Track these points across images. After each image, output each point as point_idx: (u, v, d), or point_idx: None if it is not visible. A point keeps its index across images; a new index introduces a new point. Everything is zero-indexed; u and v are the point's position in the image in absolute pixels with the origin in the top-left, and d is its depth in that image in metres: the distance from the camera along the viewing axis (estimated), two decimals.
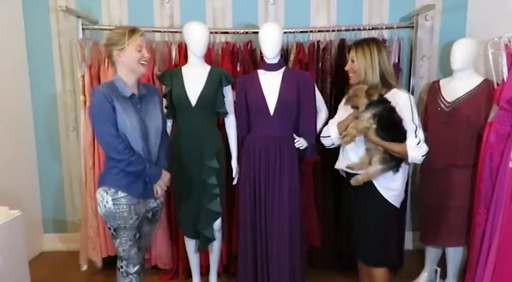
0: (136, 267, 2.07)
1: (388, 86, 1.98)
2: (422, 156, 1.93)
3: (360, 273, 2.25)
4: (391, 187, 1.97)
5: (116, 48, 1.91)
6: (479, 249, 2.23)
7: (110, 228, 2.01)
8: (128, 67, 1.95)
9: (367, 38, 2.24)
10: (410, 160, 1.94)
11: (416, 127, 1.92)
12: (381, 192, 1.96)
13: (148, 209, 2.11)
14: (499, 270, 2.13)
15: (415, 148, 1.90)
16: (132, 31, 1.93)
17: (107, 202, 1.94)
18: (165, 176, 2.12)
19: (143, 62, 1.97)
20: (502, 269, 2.12)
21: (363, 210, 2.02)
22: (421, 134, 1.93)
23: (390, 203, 1.98)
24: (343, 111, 2.11)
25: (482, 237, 2.22)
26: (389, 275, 2.10)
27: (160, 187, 2.09)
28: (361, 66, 1.98)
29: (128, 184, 1.95)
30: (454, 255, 2.61)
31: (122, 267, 2.06)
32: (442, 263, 2.68)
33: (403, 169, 2.00)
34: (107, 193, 1.94)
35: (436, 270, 2.66)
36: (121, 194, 1.94)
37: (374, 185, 1.96)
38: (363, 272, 2.22)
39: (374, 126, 1.90)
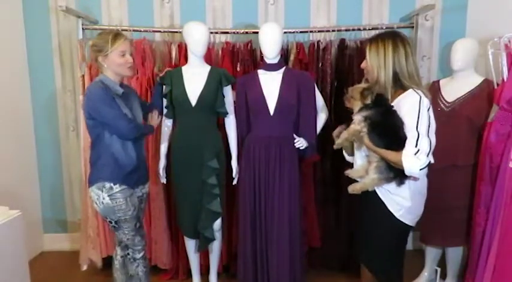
0: (142, 253, 2.15)
1: (404, 87, 1.75)
2: (421, 169, 1.62)
3: (362, 277, 2.17)
4: (398, 201, 1.77)
5: (100, 55, 1.97)
6: (479, 249, 2.23)
7: (110, 222, 2.06)
8: (113, 71, 2.01)
9: (386, 32, 1.91)
10: (407, 172, 1.66)
11: (419, 135, 1.63)
12: (388, 206, 1.79)
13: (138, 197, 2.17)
14: (499, 270, 2.13)
15: (412, 158, 1.61)
16: (115, 37, 1.98)
17: (104, 199, 1.99)
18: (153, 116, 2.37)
19: (128, 67, 2.03)
20: (502, 269, 2.12)
21: (376, 225, 1.85)
22: (424, 144, 1.62)
23: (397, 218, 1.78)
24: None
25: (482, 237, 2.22)
26: None
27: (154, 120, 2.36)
28: (373, 65, 1.78)
29: (124, 177, 2.02)
30: (454, 255, 2.61)
31: (128, 254, 2.13)
32: (442, 263, 2.68)
33: (414, 183, 1.76)
34: (102, 190, 1.99)
35: (436, 270, 2.66)
36: (116, 188, 1.99)
37: (378, 196, 1.80)
38: (365, 277, 2.06)
39: (365, 129, 1.72)
